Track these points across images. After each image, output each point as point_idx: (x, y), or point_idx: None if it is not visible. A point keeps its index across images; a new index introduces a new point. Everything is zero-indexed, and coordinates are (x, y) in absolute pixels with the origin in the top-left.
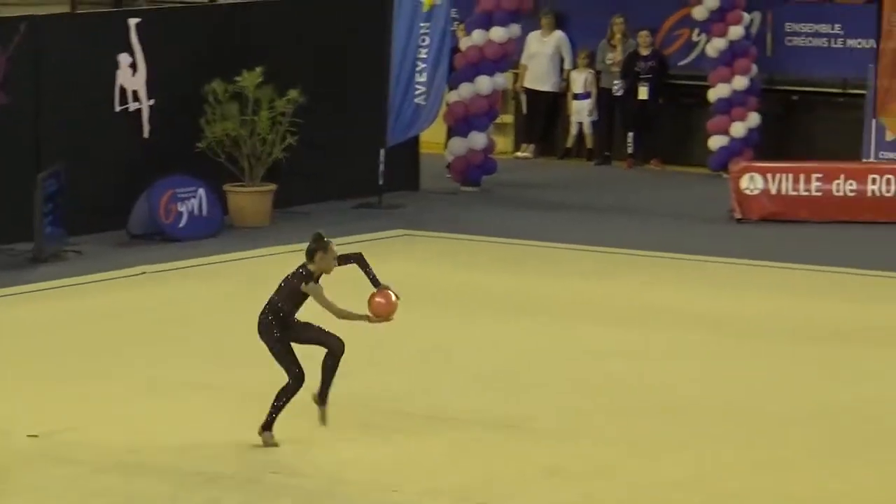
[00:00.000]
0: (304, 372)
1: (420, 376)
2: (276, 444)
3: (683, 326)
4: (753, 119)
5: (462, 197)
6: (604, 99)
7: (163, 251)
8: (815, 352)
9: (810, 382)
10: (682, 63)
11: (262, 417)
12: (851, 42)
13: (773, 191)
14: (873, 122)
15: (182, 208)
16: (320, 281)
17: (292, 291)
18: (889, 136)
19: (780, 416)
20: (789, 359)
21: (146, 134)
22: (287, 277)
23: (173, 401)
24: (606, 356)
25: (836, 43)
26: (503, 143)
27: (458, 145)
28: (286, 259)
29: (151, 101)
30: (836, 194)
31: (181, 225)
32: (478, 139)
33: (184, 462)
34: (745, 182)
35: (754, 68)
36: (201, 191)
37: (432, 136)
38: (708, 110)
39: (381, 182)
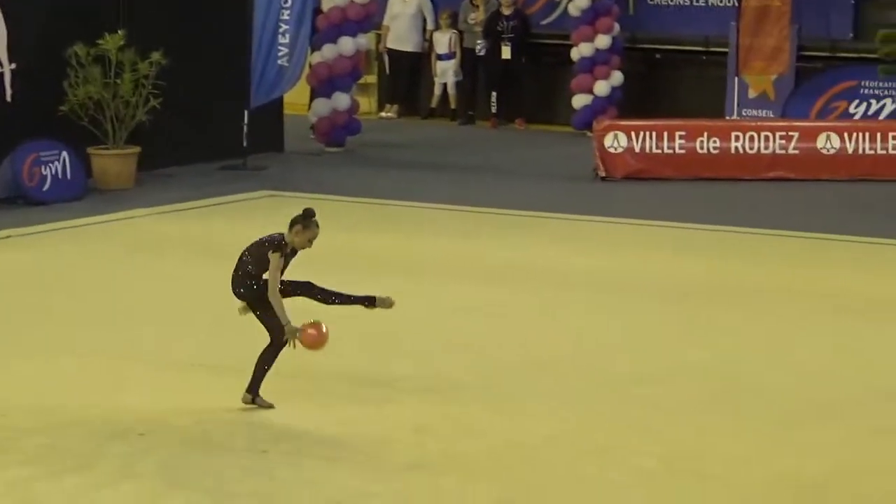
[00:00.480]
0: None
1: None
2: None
3: (549, 284)
4: (616, 78)
5: (327, 158)
6: (467, 59)
7: (27, 215)
8: (677, 309)
9: (670, 339)
10: (544, 22)
11: (120, 378)
12: (713, 0)
13: (637, 149)
14: (735, 79)
15: (46, 171)
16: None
17: (261, 256)
18: (751, 94)
19: (641, 372)
20: (653, 316)
21: (8, 98)
22: (263, 238)
23: (38, 364)
24: (475, 315)
25: (697, 1)
26: (367, 103)
27: (322, 106)
28: (151, 221)
29: (13, 65)
30: (700, 152)
31: (45, 188)
32: (341, 100)
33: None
34: (608, 140)
35: (617, 27)
36: (65, 154)
37: (296, 98)
38: (571, 69)
39: (245, 144)
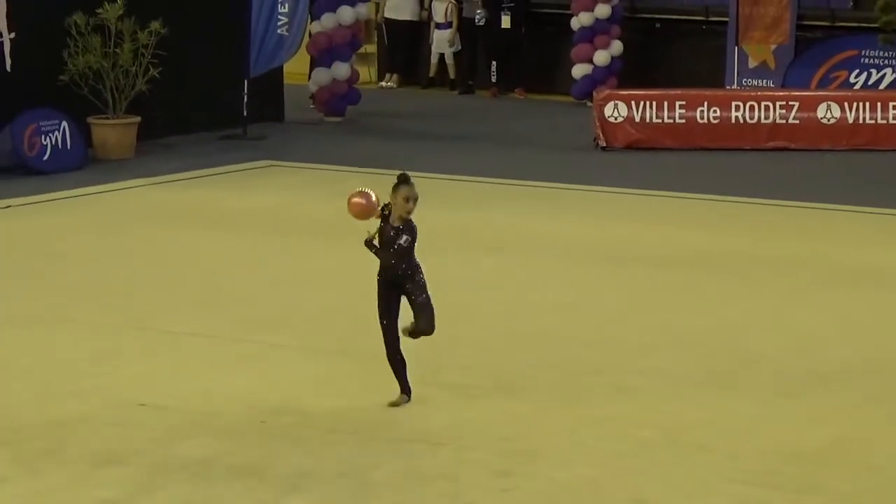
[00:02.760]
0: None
1: (280, 306)
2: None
3: (548, 254)
4: (616, 47)
5: (326, 127)
6: (466, 28)
7: (27, 184)
8: (676, 278)
9: (670, 309)
10: None
11: (118, 347)
12: None
13: (637, 118)
14: (735, 49)
15: (46, 141)
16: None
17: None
18: (751, 64)
19: (641, 342)
20: (653, 285)
21: (8, 67)
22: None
23: (32, 334)
24: (473, 284)
25: None
26: (366, 73)
27: (322, 76)
28: (151, 191)
29: (13, 35)
30: (700, 121)
31: (45, 158)
32: (341, 69)
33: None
34: (608, 110)
35: None
36: (65, 124)
37: (296, 67)
38: (571, 39)
39: (245, 113)
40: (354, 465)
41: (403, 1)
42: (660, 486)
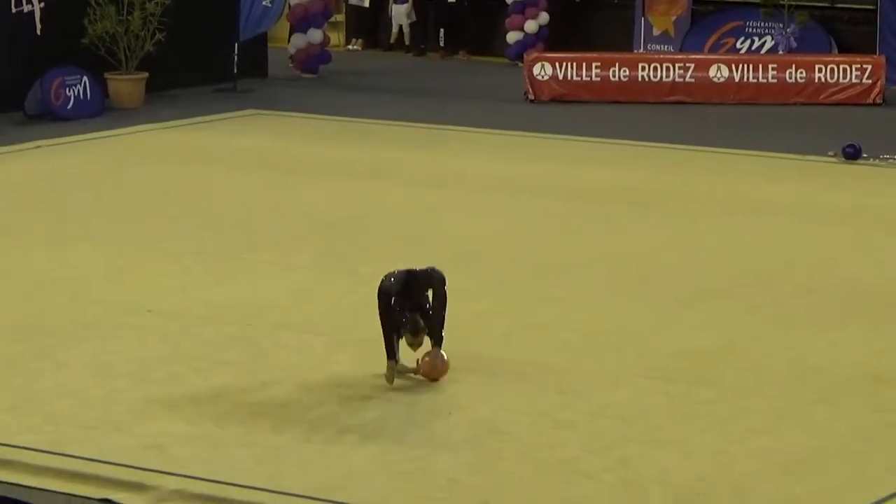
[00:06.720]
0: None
1: (266, 230)
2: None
3: (485, 188)
4: (543, 17)
5: (303, 83)
6: (419, 2)
7: (54, 128)
8: (593, 208)
9: (587, 234)
10: None
11: (132, 264)
12: None
13: (560, 77)
14: (642, 19)
15: (70, 93)
16: None
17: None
18: (655, 32)
19: (563, 262)
20: (573, 214)
21: (38, 32)
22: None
23: (58, 252)
24: (421, 213)
25: None
26: (336, 38)
27: (299, 40)
28: (157, 134)
29: (42, 4)
30: (612, 79)
31: (69, 107)
32: (315, 35)
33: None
34: (536, 69)
35: None
36: (86, 78)
37: (277, 33)
38: (506, 10)
39: (235, 71)
40: (323, 359)
41: None
42: (578, 378)
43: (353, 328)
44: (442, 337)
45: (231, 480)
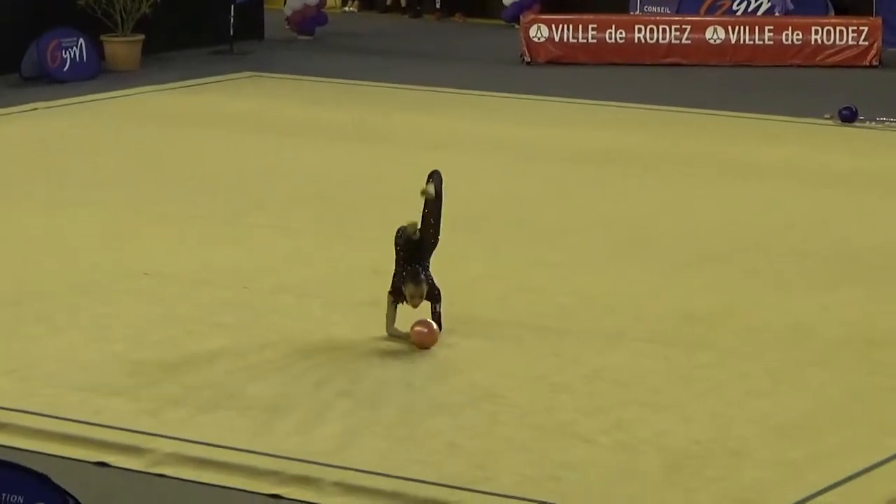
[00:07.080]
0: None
1: (261, 193)
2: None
3: (482, 150)
4: None
5: (299, 44)
6: None
7: (51, 91)
8: (590, 171)
9: (584, 197)
10: None
11: (128, 227)
12: None
13: (557, 38)
14: None
15: (66, 55)
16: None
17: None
18: None
19: (560, 225)
20: (570, 177)
21: None
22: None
23: (55, 216)
24: (421, 175)
25: None
26: None
27: (296, 2)
28: (154, 96)
29: None
30: (609, 41)
31: (65, 69)
32: None
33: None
34: (533, 31)
35: None
36: (82, 40)
37: None
38: None
39: (231, 33)
40: (320, 322)
41: None
42: (575, 342)
43: (351, 291)
44: (438, 291)
45: (227, 444)
